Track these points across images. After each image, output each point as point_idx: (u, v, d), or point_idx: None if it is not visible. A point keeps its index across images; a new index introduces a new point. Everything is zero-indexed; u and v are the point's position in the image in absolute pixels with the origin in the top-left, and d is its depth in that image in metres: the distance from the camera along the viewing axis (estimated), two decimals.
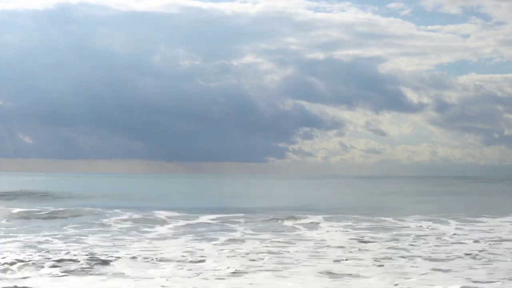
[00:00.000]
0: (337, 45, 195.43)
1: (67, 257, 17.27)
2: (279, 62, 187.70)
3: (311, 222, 29.83)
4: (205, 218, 31.32)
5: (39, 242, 21.06)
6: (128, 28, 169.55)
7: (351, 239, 22.82)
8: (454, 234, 24.71)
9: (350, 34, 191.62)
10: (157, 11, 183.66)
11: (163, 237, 23.30)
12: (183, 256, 18.02)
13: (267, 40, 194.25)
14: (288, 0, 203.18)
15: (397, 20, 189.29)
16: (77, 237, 22.97)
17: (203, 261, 17.21)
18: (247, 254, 18.51)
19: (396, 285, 14.09)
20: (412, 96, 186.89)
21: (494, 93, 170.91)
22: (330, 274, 15.41)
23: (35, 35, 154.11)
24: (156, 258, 17.45)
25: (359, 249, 19.81)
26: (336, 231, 26.04)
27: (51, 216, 32.68)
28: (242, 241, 22.12)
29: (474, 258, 18.05)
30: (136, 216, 32.27)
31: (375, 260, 17.46)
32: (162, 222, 29.37)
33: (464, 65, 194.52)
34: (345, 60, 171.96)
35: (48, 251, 18.48)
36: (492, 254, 18.90)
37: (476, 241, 22.18)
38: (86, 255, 17.67)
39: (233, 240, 22.26)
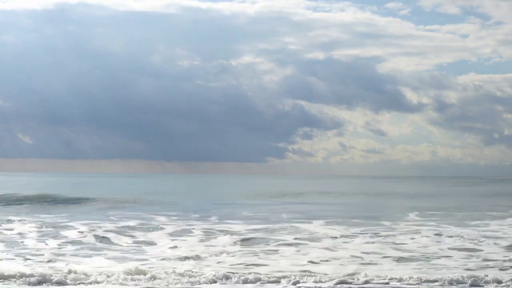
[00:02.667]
0: (336, 45, 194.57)
1: None
2: (278, 62, 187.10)
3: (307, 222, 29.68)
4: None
5: None
6: (127, 28, 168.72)
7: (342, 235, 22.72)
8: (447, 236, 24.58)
9: (349, 33, 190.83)
10: (156, 11, 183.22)
11: None
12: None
13: (265, 40, 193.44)
14: None
15: (396, 20, 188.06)
16: None
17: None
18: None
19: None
20: (411, 96, 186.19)
21: (493, 93, 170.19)
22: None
23: (34, 35, 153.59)
24: None
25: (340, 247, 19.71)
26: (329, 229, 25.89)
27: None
28: None
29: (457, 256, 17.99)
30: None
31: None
32: None
33: (464, 65, 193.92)
34: (344, 60, 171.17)
35: None
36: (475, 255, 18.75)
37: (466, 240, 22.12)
38: None
39: None
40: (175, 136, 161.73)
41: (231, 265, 16.88)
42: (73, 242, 21.43)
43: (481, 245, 21.20)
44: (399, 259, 17.87)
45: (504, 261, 17.65)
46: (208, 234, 24.12)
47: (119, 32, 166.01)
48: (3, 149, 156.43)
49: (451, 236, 23.79)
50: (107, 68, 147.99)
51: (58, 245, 20.77)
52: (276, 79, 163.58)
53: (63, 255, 18.53)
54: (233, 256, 18.47)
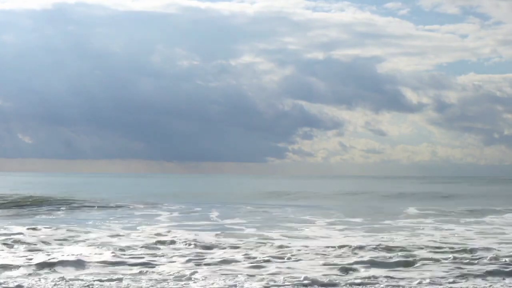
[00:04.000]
0: (336, 45, 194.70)
1: None
2: (277, 62, 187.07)
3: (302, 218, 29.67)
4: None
5: None
6: (127, 28, 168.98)
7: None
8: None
9: (349, 33, 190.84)
10: (155, 11, 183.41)
11: None
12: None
13: (265, 40, 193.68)
14: None
15: (395, 20, 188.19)
16: None
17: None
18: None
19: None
20: (411, 96, 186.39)
21: (493, 93, 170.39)
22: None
23: (34, 35, 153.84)
24: None
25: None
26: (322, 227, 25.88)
27: None
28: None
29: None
30: None
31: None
32: None
33: (463, 65, 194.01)
34: (344, 60, 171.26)
35: None
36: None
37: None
38: None
39: None
40: (175, 136, 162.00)
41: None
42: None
43: (474, 241, 21.20)
44: (390, 259, 17.82)
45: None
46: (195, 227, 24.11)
47: (119, 32, 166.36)
48: (3, 149, 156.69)
49: (446, 236, 23.80)
50: (107, 68, 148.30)
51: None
52: (276, 79, 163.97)
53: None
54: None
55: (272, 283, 13.83)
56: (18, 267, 15.44)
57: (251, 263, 16.34)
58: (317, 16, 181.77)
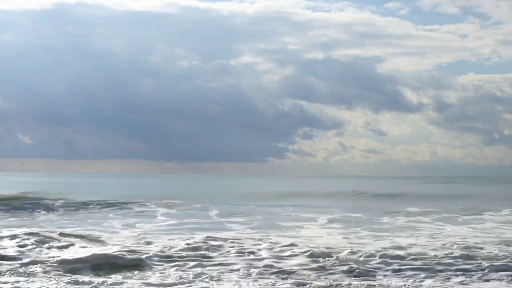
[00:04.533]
0: (336, 45, 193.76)
1: None
2: (277, 62, 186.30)
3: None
4: None
5: None
6: (126, 28, 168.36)
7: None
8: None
9: (349, 33, 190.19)
10: (155, 10, 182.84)
11: None
12: None
13: (265, 40, 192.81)
14: None
15: (395, 20, 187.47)
16: None
17: None
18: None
19: None
20: (411, 96, 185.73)
21: (493, 93, 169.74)
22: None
23: (33, 35, 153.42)
24: None
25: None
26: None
27: None
28: None
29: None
30: None
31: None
32: None
33: (463, 65, 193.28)
34: (344, 60, 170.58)
35: None
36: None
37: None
38: None
39: None
40: (175, 136, 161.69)
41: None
42: None
43: (473, 239, 21.20)
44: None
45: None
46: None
47: (119, 32, 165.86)
48: (3, 149, 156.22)
49: (445, 235, 23.80)
50: (107, 68, 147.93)
51: None
52: (276, 79, 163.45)
53: None
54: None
55: (270, 282, 13.84)
56: (14, 265, 15.43)
57: (250, 262, 16.34)
58: (317, 16, 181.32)
